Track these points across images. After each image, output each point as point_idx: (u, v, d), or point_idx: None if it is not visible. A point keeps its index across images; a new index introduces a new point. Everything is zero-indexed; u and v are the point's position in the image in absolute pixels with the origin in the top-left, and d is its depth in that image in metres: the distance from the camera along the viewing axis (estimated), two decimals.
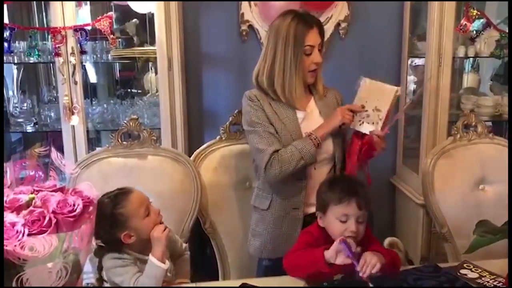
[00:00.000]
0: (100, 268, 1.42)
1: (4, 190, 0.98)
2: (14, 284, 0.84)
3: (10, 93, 2.73)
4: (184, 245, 1.64)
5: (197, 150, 1.99)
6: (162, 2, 2.31)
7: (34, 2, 2.68)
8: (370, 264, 1.30)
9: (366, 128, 1.64)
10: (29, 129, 2.59)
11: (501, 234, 0.96)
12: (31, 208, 0.91)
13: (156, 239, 1.38)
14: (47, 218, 0.88)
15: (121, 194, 1.39)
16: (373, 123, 1.63)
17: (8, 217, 0.88)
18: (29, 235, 0.86)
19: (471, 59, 2.97)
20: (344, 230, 1.40)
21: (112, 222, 1.34)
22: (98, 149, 2.02)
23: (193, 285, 1.54)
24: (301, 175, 1.68)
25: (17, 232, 0.85)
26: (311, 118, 1.73)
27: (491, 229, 0.97)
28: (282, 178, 1.64)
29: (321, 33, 1.70)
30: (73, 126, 2.38)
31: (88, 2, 2.61)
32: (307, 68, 1.68)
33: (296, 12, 1.71)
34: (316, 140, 1.63)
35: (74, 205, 0.92)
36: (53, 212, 0.90)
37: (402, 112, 1.64)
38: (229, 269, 2.02)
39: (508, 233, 0.84)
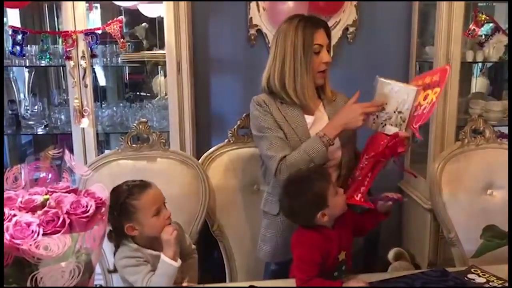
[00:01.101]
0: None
1: (19, 191, 1.00)
2: (28, 283, 0.86)
3: (22, 96, 2.77)
4: (193, 246, 1.65)
5: (205, 153, 2.01)
6: (172, 6, 2.33)
7: (46, 6, 2.72)
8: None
9: (390, 130, 1.58)
10: (40, 131, 2.62)
11: (508, 239, 0.96)
12: (45, 208, 0.94)
13: (166, 240, 1.39)
14: (61, 219, 0.90)
15: (139, 187, 1.42)
16: (396, 125, 1.57)
17: (24, 217, 0.90)
18: (44, 234, 0.88)
19: (480, 64, 2.97)
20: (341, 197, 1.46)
21: (121, 210, 1.36)
22: (107, 151, 2.04)
23: (201, 286, 1.55)
24: None
25: (32, 231, 0.87)
26: (320, 122, 1.72)
27: (498, 234, 0.97)
28: None
29: (328, 34, 1.72)
30: (83, 128, 2.40)
31: (99, 6, 2.65)
32: (316, 68, 1.68)
33: (302, 15, 1.73)
34: (329, 141, 1.59)
35: (87, 206, 0.94)
36: (67, 212, 0.92)
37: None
38: (237, 272, 2.03)
39: (508, 237, 0.85)
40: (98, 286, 2.02)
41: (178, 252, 1.43)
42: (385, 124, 1.59)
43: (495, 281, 1.43)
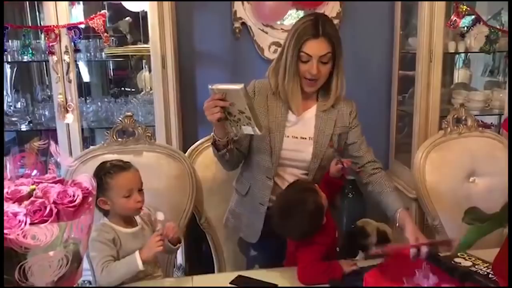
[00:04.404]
0: None
1: (5, 182, 1.00)
2: (16, 273, 0.86)
3: (4, 92, 2.73)
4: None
5: (192, 146, 2.01)
6: (155, 1, 2.32)
7: (27, 1, 2.68)
8: None
9: (246, 130, 1.53)
10: (24, 127, 2.59)
11: (488, 222, 0.99)
12: (32, 198, 0.94)
13: (151, 246, 1.45)
14: (48, 208, 0.90)
15: (118, 167, 1.53)
16: (246, 124, 1.51)
17: (10, 207, 0.90)
18: (31, 224, 0.88)
19: (463, 55, 3.01)
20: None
21: (98, 184, 1.42)
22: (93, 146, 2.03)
23: (189, 278, 1.56)
24: (269, 174, 1.70)
25: (19, 221, 0.87)
26: (302, 125, 1.69)
27: (480, 217, 1.00)
28: (227, 170, 1.79)
29: (331, 44, 1.60)
30: (68, 124, 2.39)
31: (81, 1, 2.62)
32: (302, 75, 1.62)
33: (317, 16, 1.63)
34: (215, 139, 1.62)
35: (73, 195, 0.94)
36: (54, 202, 0.92)
37: None
38: (225, 264, 2.04)
39: (509, 231, 0.88)
40: (86, 281, 2.02)
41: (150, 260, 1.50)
42: (240, 126, 1.54)
43: (480, 264, 1.48)
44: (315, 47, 1.58)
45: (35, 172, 1.06)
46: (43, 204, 0.90)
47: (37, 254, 0.88)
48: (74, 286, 1.01)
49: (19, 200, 0.93)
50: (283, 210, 1.50)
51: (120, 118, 1.90)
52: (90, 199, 0.99)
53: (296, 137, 1.68)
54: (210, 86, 1.51)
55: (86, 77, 2.88)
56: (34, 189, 0.96)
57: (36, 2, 2.61)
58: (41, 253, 0.88)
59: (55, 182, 0.99)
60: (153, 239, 1.46)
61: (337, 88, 1.67)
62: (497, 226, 0.98)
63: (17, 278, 0.86)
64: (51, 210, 0.90)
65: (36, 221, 0.88)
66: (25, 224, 0.86)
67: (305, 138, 1.69)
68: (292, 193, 1.53)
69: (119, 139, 1.89)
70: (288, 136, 1.68)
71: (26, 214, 0.88)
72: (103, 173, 1.50)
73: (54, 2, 2.26)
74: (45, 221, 0.88)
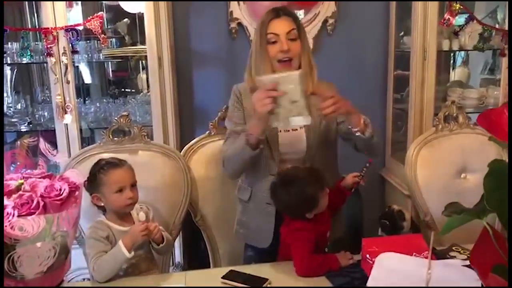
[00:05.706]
0: None
1: None
2: (6, 263, 0.89)
3: (4, 93, 2.76)
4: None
5: (187, 145, 2.04)
6: (152, 1, 2.35)
7: (26, 3, 2.72)
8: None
9: (296, 121, 1.49)
10: (23, 128, 2.61)
11: (464, 213, 1.02)
12: (20, 192, 0.97)
13: (134, 233, 1.47)
14: (35, 201, 0.94)
15: (111, 164, 1.57)
16: (298, 114, 1.45)
17: None
18: (18, 216, 0.91)
19: (462, 53, 3.03)
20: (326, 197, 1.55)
21: (92, 180, 1.51)
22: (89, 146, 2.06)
23: (183, 273, 1.59)
24: (272, 171, 1.70)
25: (7, 214, 0.90)
26: None
27: (457, 209, 1.03)
28: (233, 176, 1.78)
29: (295, 22, 1.66)
30: (67, 124, 2.42)
31: (80, 3, 2.65)
32: (274, 57, 1.64)
33: (275, 7, 1.71)
34: (251, 137, 1.56)
35: (60, 189, 0.98)
36: (41, 196, 0.95)
37: None
38: (220, 261, 2.06)
39: (508, 232, 0.91)
40: (85, 279, 2.05)
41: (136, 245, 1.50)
42: (288, 118, 1.48)
43: None
44: (280, 25, 1.64)
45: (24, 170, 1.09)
46: (30, 198, 0.94)
47: (26, 245, 0.91)
48: (64, 278, 1.04)
49: (8, 194, 0.96)
50: (286, 178, 1.54)
51: (116, 118, 1.93)
52: (77, 193, 1.02)
53: (288, 130, 1.71)
54: (258, 78, 1.52)
55: (85, 78, 2.92)
56: (22, 183, 0.99)
57: (34, 4, 2.64)
58: (30, 244, 0.91)
59: (44, 177, 1.02)
60: (137, 227, 1.48)
61: (312, 68, 1.70)
62: (475, 217, 1.01)
63: (7, 269, 0.89)
64: (38, 203, 0.93)
65: (23, 214, 0.91)
66: (13, 216, 0.89)
67: (296, 129, 1.71)
68: (305, 173, 1.54)
69: (115, 139, 1.92)
70: (280, 131, 1.70)
71: (14, 207, 0.91)
72: (97, 169, 1.55)
73: (52, 3, 2.29)
74: (32, 214, 0.91)
